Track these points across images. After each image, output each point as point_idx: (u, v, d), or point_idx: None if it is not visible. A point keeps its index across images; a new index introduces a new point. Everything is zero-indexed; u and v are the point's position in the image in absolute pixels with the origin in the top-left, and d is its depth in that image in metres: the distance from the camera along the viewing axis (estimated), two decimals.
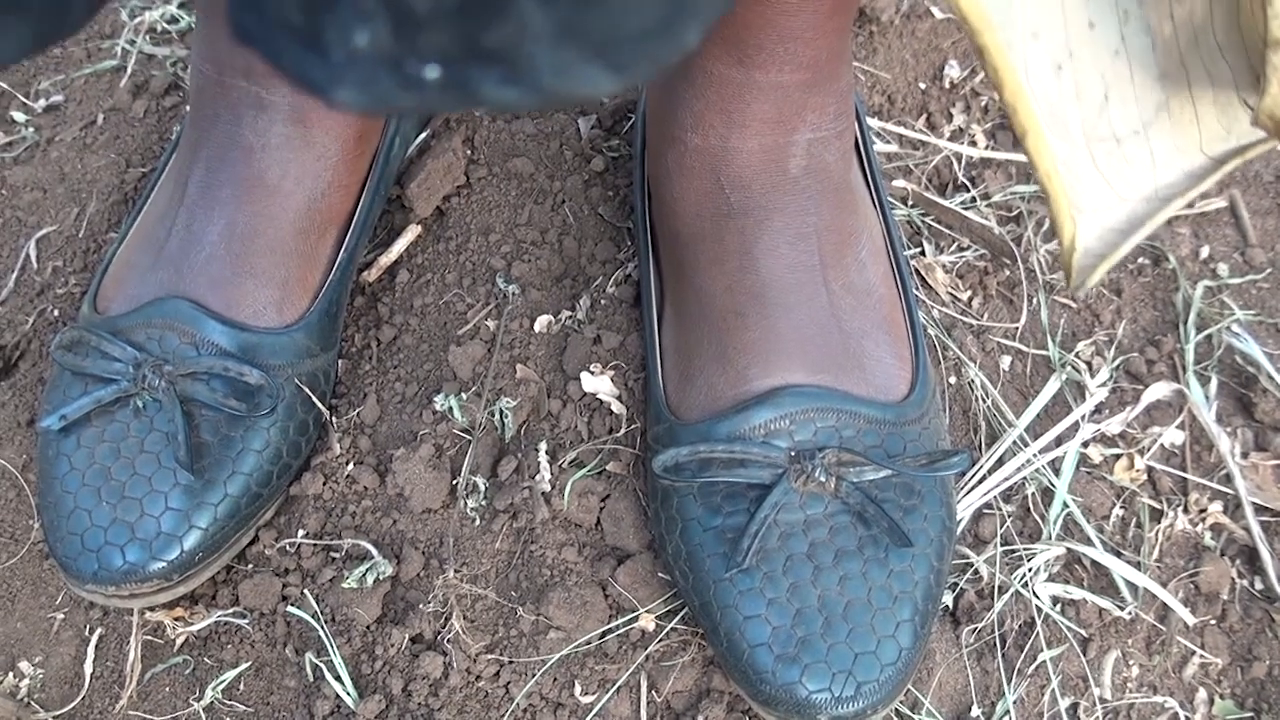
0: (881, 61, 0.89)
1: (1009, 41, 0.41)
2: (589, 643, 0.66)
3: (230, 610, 0.68)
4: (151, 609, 0.68)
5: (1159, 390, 0.75)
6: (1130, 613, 0.68)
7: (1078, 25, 0.43)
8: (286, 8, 0.29)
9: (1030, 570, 0.68)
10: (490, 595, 0.67)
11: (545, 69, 0.29)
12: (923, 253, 0.80)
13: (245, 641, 0.67)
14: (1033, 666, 0.66)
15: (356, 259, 0.75)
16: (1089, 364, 0.77)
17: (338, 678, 0.65)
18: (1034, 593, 0.68)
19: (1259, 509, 0.72)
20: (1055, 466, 0.72)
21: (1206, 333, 0.78)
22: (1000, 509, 0.71)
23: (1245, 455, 0.74)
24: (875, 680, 0.58)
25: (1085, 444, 0.73)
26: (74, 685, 0.67)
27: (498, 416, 0.72)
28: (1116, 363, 0.76)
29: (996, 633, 0.67)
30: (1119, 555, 0.70)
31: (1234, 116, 0.47)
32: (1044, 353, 0.77)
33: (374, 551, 0.68)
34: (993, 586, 0.68)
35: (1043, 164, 0.42)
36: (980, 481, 0.71)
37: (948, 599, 0.68)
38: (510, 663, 0.66)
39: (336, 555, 0.69)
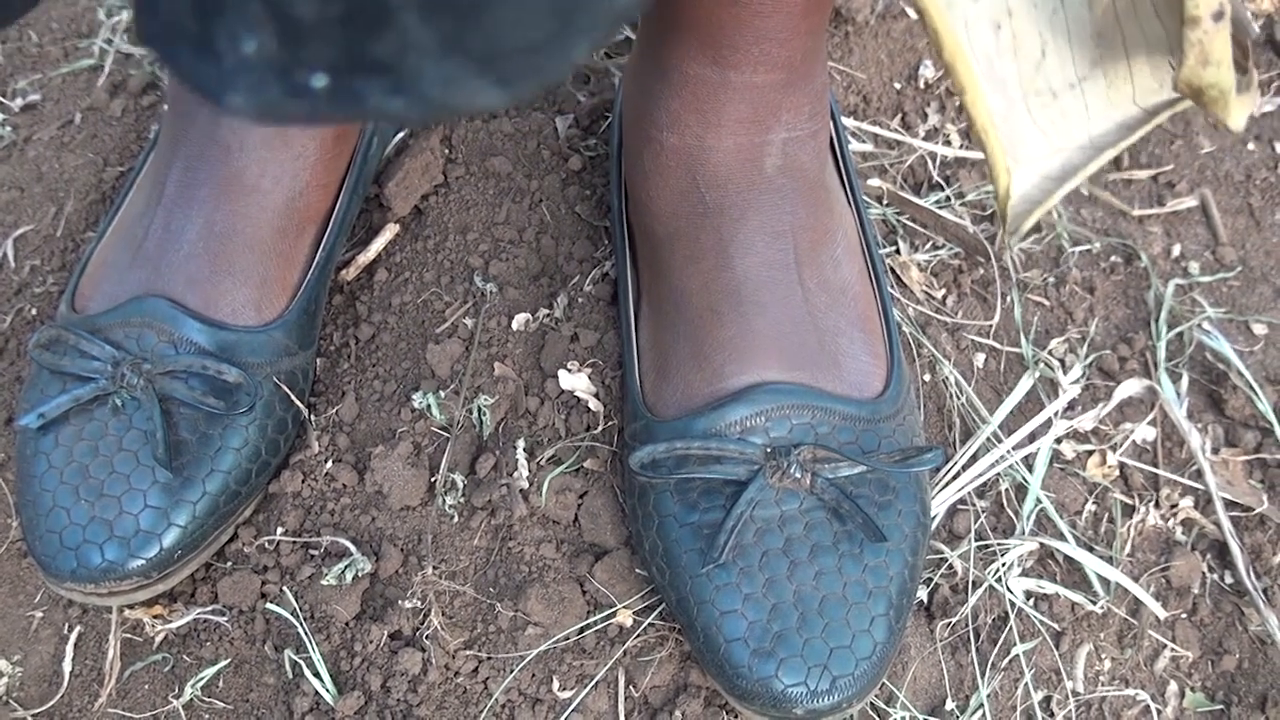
0: (857, 61, 0.90)
1: (949, 1, 0.42)
2: (567, 638, 0.66)
3: (209, 608, 0.68)
4: (130, 607, 0.68)
5: (1131, 387, 0.76)
6: (1102, 607, 0.69)
7: None
8: (180, 13, 0.29)
9: (1004, 565, 0.69)
10: (468, 592, 0.68)
11: (431, 81, 0.30)
12: (898, 251, 0.81)
13: (224, 639, 0.68)
14: (1006, 660, 0.67)
15: (335, 258, 0.75)
16: (1062, 361, 0.77)
17: (317, 674, 0.66)
18: (1007, 587, 0.69)
19: (1229, 504, 0.72)
20: (1028, 463, 0.73)
21: (1178, 330, 0.78)
22: (974, 504, 0.71)
23: (1216, 451, 0.75)
24: (850, 674, 0.59)
25: (1058, 440, 0.74)
26: (53, 683, 0.67)
27: (476, 414, 0.72)
28: (1089, 360, 0.77)
29: (970, 627, 0.68)
30: (1091, 550, 0.71)
31: (1166, 72, 0.48)
32: (1017, 350, 0.78)
33: (353, 549, 0.68)
34: (967, 581, 0.69)
35: (980, 119, 0.44)
36: (954, 477, 0.72)
37: (922, 594, 0.68)
38: (488, 659, 0.66)
39: (315, 552, 0.69)
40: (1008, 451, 0.73)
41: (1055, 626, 0.68)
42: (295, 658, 0.66)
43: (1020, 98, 0.45)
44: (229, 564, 0.69)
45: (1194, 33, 0.41)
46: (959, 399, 0.75)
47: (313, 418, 0.73)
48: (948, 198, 0.84)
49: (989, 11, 0.43)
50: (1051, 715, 0.66)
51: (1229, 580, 0.71)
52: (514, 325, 0.76)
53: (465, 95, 0.30)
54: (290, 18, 0.28)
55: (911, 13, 0.92)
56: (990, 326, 0.79)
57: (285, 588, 0.68)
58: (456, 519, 0.70)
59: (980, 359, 0.77)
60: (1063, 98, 0.47)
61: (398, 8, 0.28)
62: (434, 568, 0.68)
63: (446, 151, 0.82)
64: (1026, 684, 0.67)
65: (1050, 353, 0.78)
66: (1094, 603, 0.69)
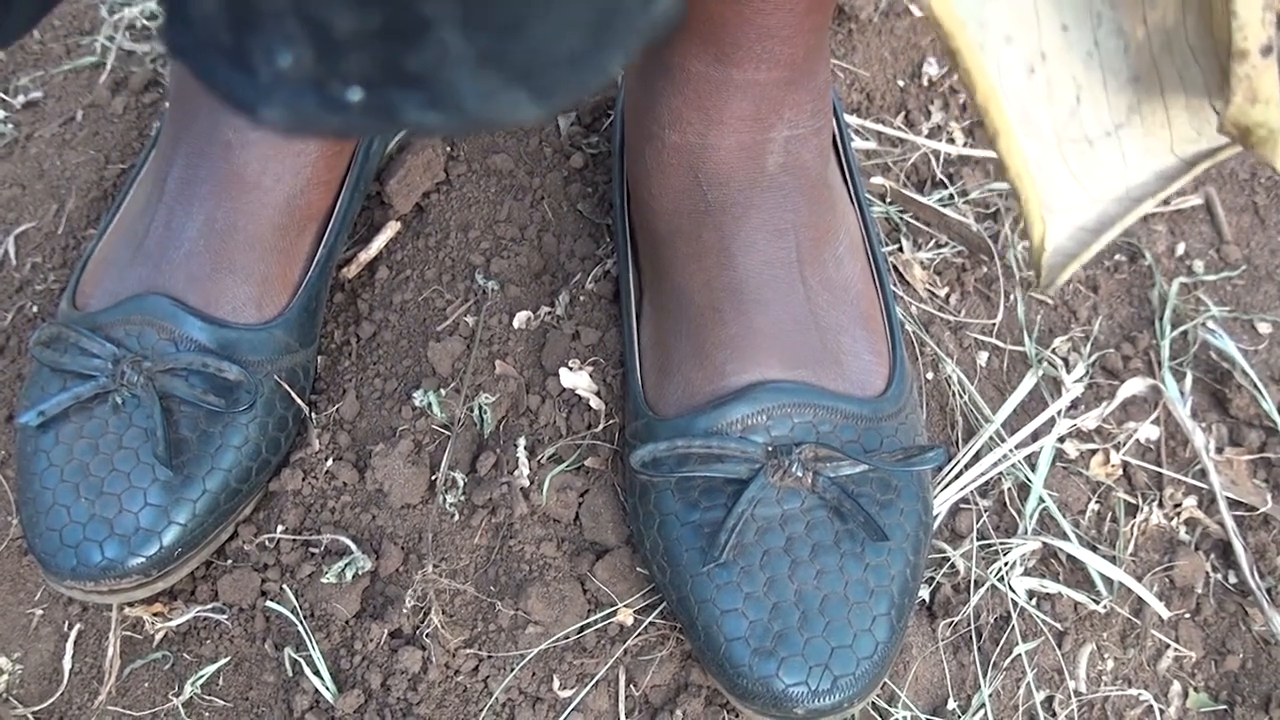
0: (860, 59, 0.90)
1: (982, 44, 0.41)
2: (567, 637, 0.66)
3: (209, 606, 0.68)
4: (130, 605, 0.68)
5: (1134, 386, 0.75)
6: (1105, 606, 0.68)
7: (1051, 28, 0.43)
8: (215, 27, 0.29)
9: (1006, 564, 0.69)
10: (469, 590, 0.68)
11: (468, 94, 0.29)
12: (901, 249, 0.81)
13: (224, 637, 0.67)
14: (1008, 660, 0.67)
15: (336, 255, 0.75)
16: (1065, 360, 0.77)
17: (316, 672, 0.66)
18: (1010, 587, 0.68)
19: (1233, 503, 0.72)
20: (1031, 462, 0.73)
21: (1182, 329, 0.78)
22: (977, 504, 0.71)
23: (1220, 450, 0.74)
24: (852, 674, 0.58)
25: (1061, 439, 0.74)
26: (53, 681, 0.67)
27: (476, 412, 0.72)
28: (1092, 359, 0.77)
29: (973, 626, 0.68)
30: (1094, 549, 0.71)
31: (1204, 119, 0.47)
32: (1020, 349, 0.77)
33: (353, 547, 0.68)
34: (969, 581, 0.69)
35: (1014, 165, 0.43)
36: (957, 476, 0.72)
37: (924, 593, 0.68)
38: (489, 657, 0.66)
39: (315, 550, 0.69)
40: (1010, 450, 0.73)
41: (1058, 626, 0.68)
42: (295, 656, 0.66)
43: (1055, 145, 0.45)
44: (229, 562, 0.69)
45: (1241, 67, 0.41)
46: (961, 397, 0.75)
47: (313, 415, 0.73)
48: (951, 196, 0.84)
49: (1023, 55, 0.43)
50: (1054, 715, 0.66)
51: (1233, 580, 0.71)
52: (515, 323, 0.75)
53: (502, 108, 0.30)
54: (327, 31, 0.28)
55: (915, 10, 0.92)
56: (993, 325, 0.78)
57: (285, 586, 0.68)
58: (457, 517, 0.70)
59: (983, 357, 0.77)
60: (1099, 146, 0.46)
61: (436, 21, 0.28)
62: (434, 566, 0.68)
63: (448, 149, 0.82)
64: (1029, 684, 0.66)
65: (1054, 351, 0.77)
66: (1097, 602, 0.68)
